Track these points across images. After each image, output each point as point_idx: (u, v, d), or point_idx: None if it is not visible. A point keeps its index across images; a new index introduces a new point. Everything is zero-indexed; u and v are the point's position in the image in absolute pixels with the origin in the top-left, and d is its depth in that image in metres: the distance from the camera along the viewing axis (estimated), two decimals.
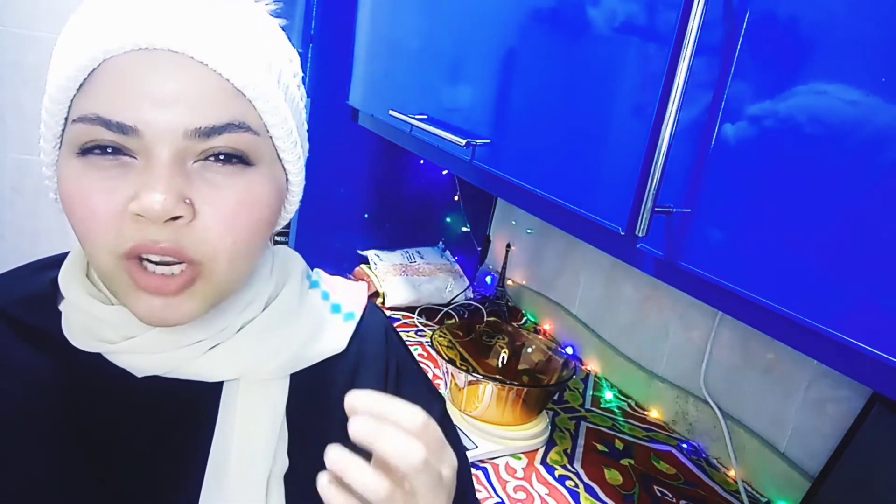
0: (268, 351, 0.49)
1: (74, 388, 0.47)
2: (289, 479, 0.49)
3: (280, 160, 0.47)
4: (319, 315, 0.54)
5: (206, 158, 0.42)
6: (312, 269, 0.60)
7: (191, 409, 0.49)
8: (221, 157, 0.42)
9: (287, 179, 0.49)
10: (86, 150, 0.40)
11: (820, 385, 0.93)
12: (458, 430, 1.01)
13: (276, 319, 0.50)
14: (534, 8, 0.75)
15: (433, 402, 0.60)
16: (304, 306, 0.53)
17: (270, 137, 0.45)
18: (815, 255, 0.48)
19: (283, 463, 0.49)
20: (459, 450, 0.61)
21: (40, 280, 0.51)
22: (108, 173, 0.40)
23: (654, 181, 0.55)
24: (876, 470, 0.81)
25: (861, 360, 0.47)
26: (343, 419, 0.52)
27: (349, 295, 0.58)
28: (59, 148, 0.43)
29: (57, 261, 0.51)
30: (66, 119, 0.42)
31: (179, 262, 0.41)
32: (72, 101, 0.41)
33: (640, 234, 0.57)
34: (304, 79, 0.50)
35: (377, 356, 0.57)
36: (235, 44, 0.41)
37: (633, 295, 1.25)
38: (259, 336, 0.49)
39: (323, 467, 0.50)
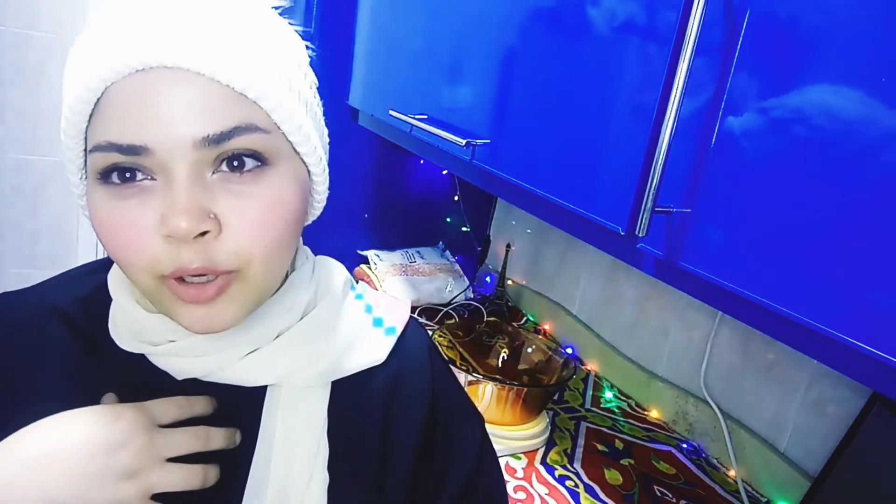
0: (305, 358, 0.49)
1: (119, 389, 0.48)
2: (329, 493, 0.49)
3: (298, 154, 0.47)
4: (360, 326, 0.54)
5: (223, 167, 0.42)
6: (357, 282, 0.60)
7: (233, 416, 0.49)
8: (235, 162, 0.42)
9: (309, 171, 0.49)
10: (105, 175, 0.41)
11: (820, 385, 0.93)
12: None
13: (313, 328, 0.50)
14: (534, 8, 0.75)
15: (473, 425, 0.60)
16: (346, 317, 0.53)
17: (283, 133, 0.45)
18: (815, 255, 0.48)
19: (325, 477, 0.49)
20: (496, 473, 0.60)
21: (94, 282, 0.52)
22: (131, 202, 0.41)
23: (654, 181, 0.55)
24: (876, 470, 0.81)
25: (861, 360, 0.47)
26: (383, 434, 0.53)
27: (392, 311, 0.58)
28: (86, 178, 0.44)
29: (108, 263, 0.53)
30: (85, 150, 0.43)
31: (215, 277, 0.42)
32: (86, 132, 0.42)
33: (640, 234, 0.57)
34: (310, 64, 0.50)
35: (419, 374, 0.56)
36: (229, 48, 0.41)
37: (633, 295, 1.25)
38: (296, 343, 0.49)
39: (363, 481, 0.51)
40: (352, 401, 0.52)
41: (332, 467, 0.49)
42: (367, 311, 0.56)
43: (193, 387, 0.48)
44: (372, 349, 0.53)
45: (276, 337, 0.49)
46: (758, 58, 0.52)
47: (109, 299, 0.50)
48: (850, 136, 0.46)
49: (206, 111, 0.40)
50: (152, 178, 0.41)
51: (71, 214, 1.95)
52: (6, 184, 1.88)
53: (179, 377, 0.48)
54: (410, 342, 0.57)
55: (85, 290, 0.52)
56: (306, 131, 0.46)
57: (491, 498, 0.59)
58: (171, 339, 0.47)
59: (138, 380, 0.48)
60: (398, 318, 0.57)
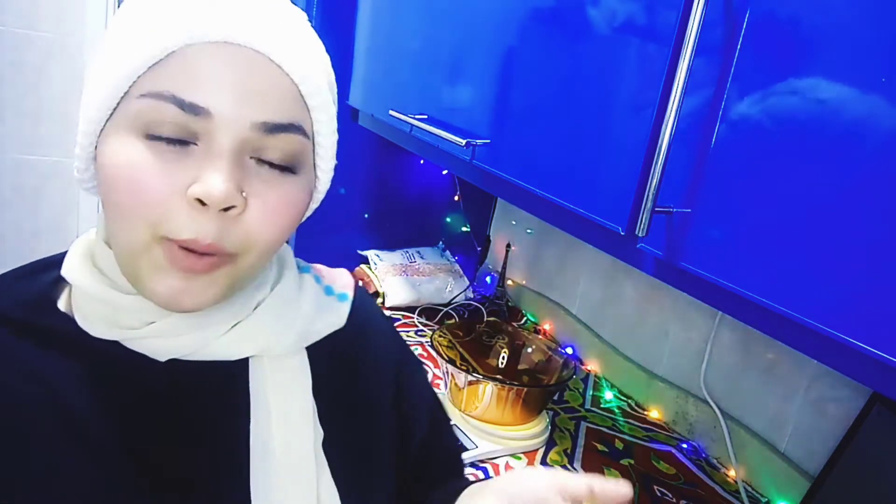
0: (282, 326, 0.51)
1: (94, 382, 0.47)
2: (325, 447, 0.52)
3: (315, 167, 0.49)
4: (317, 295, 0.56)
5: (260, 155, 0.44)
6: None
7: (220, 391, 0.50)
8: (271, 164, 0.44)
9: (315, 187, 0.51)
10: (151, 127, 0.41)
11: (820, 385, 0.93)
12: (459, 431, 1.02)
13: (283, 299, 0.52)
14: (534, 8, 0.75)
15: (425, 375, 0.67)
16: (303, 288, 0.56)
17: (314, 145, 0.48)
18: (815, 255, 0.48)
19: (319, 433, 0.52)
20: (447, 415, 0.68)
21: (39, 282, 0.51)
22: (166, 155, 0.41)
23: (654, 181, 0.55)
24: (876, 470, 0.81)
25: (861, 360, 0.47)
26: (361, 391, 0.57)
27: (337, 279, 0.61)
28: (106, 121, 0.43)
29: (49, 263, 0.51)
30: (125, 95, 0.42)
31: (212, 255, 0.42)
32: (137, 78, 0.42)
33: (640, 234, 0.57)
34: None
35: (380, 334, 0.62)
36: (307, 53, 0.45)
37: (633, 295, 1.25)
38: (273, 313, 0.51)
39: (352, 435, 0.55)
40: (325, 362, 0.55)
41: (323, 425, 0.52)
42: (317, 281, 0.58)
43: (176, 368, 0.48)
44: (332, 315, 0.56)
45: (255, 308, 0.50)
46: (758, 58, 0.52)
47: (57, 295, 0.49)
48: (850, 136, 0.46)
49: (272, 100, 0.43)
50: (194, 143, 0.42)
51: (71, 214, 1.95)
52: (6, 184, 1.88)
53: (162, 358, 0.47)
54: (362, 306, 0.61)
55: (32, 292, 0.50)
56: (332, 151, 0.50)
57: (452, 436, 0.69)
58: (150, 320, 0.46)
59: (114, 367, 0.48)
60: (345, 285, 0.60)
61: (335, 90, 0.50)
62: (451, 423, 0.69)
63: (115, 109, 0.43)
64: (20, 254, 1.93)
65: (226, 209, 0.41)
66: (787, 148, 0.50)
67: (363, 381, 0.58)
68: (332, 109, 0.48)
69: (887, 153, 0.44)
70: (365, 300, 0.62)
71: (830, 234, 0.47)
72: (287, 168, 0.45)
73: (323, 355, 0.54)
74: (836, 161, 0.47)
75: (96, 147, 0.44)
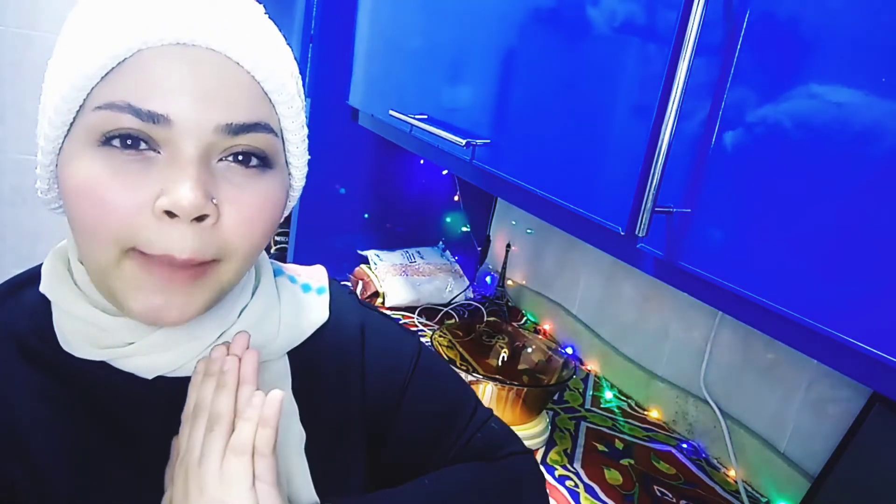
0: (268, 332, 0.51)
1: (81, 402, 0.46)
2: (307, 449, 0.51)
3: (287, 164, 0.48)
4: (295, 295, 0.56)
5: (228, 159, 0.42)
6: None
7: None
8: (240, 157, 0.42)
9: (290, 185, 0.50)
10: (107, 139, 0.39)
11: (820, 385, 0.93)
12: None
13: (266, 303, 0.52)
14: (534, 8, 0.75)
15: (405, 344, 0.63)
16: (281, 289, 0.55)
17: (283, 141, 0.46)
18: (815, 255, 0.48)
19: (302, 434, 0.51)
20: (456, 386, 0.66)
21: (24, 300, 0.49)
22: (129, 167, 0.39)
23: (654, 181, 0.55)
24: (876, 470, 0.81)
25: (861, 360, 0.47)
26: (338, 386, 0.55)
27: (312, 275, 0.60)
28: (65, 137, 0.42)
29: (24, 282, 0.50)
30: (80, 108, 0.41)
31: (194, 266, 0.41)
32: (91, 90, 0.40)
33: (640, 234, 0.57)
34: (304, 79, 0.52)
35: (352, 322, 0.59)
36: (267, 48, 0.43)
37: (633, 295, 1.25)
38: (257, 319, 0.50)
39: (335, 435, 0.54)
40: (306, 361, 0.54)
41: (304, 425, 0.51)
42: (293, 281, 0.58)
43: (162, 384, 0.47)
44: (314, 310, 0.56)
45: (239, 315, 0.49)
46: (758, 58, 0.52)
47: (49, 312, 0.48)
48: (850, 136, 0.46)
49: (236, 100, 0.41)
50: (156, 151, 0.40)
51: None
52: (6, 184, 1.88)
53: (150, 376, 0.46)
54: (338, 296, 0.59)
55: (31, 307, 0.48)
56: (305, 144, 0.49)
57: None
58: (129, 340, 0.45)
59: (100, 388, 0.46)
60: (320, 279, 0.59)
61: (300, 82, 0.49)
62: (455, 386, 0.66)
63: (72, 124, 0.41)
64: (20, 254, 1.93)
65: (198, 219, 0.40)
66: (787, 148, 0.50)
67: (353, 379, 0.56)
68: (298, 103, 0.46)
69: (887, 153, 0.44)
70: (340, 291, 0.61)
71: (830, 233, 0.47)
72: (258, 168, 0.43)
73: (304, 353, 0.54)
74: (835, 161, 0.47)
75: (57, 165, 0.43)
